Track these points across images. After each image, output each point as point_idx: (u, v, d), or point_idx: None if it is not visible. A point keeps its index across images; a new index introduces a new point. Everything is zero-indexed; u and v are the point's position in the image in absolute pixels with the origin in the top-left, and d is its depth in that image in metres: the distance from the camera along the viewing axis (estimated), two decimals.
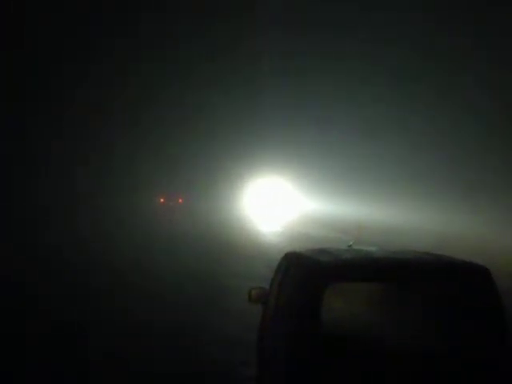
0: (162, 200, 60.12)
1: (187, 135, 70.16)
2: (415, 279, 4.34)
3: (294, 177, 70.73)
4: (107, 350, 8.06)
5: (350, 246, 5.36)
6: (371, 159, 75.35)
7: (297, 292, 4.56)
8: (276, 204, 65.87)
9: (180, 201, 60.79)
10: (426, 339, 4.15)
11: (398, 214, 58.66)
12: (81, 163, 48.32)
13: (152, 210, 51.25)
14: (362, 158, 76.58)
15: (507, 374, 4.12)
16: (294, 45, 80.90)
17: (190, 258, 19.32)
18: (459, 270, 4.48)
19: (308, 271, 4.53)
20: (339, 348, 4.09)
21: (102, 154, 52.34)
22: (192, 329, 9.52)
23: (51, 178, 43.91)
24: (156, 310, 10.78)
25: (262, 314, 6.09)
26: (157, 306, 11.15)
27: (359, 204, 68.64)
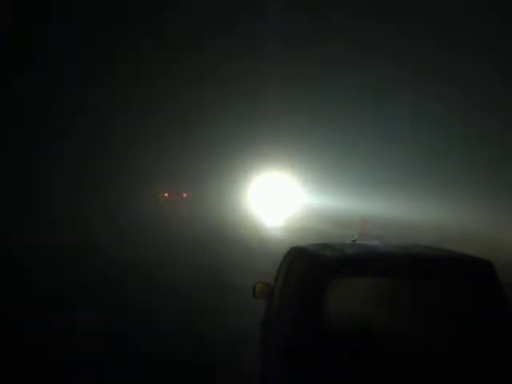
0: (166, 195, 60.18)
1: (191, 130, 70.16)
2: (419, 273, 4.35)
3: (297, 171, 70.66)
4: (107, 347, 8.07)
5: (354, 240, 5.37)
6: (374, 153, 75.28)
7: (301, 287, 4.58)
8: (279, 199, 65.86)
9: (184, 195, 60.86)
10: (430, 333, 4.17)
11: (401, 208, 58.59)
12: (83, 161, 48.47)
13: (156, 204, 51.30)
14: (366, 153, 76.51)
15: None
16: (294, 41, 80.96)
17: (193, 252, 19.35)
18: (463, 263, 4.49)
19: (312, 266, 4.55)
20: (343, 343, 4.10)
21: (106, 151, 52.47)
22: (196, 324, 9.54)
23: (59, 176, 44.08)
24: (159, 305, 10.81)
25: (267, 309, 6.11)
26: (160, 301, 11.18)
27: (363, 198, 68.54)
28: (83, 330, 8.90)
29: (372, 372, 4.02)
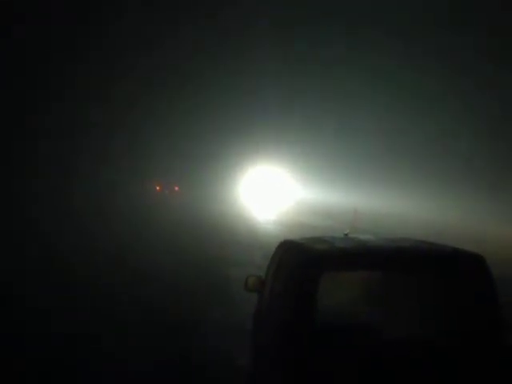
0: (157, 188, 60.08)
1: (183, 124, 69.96)
2: (411, 267, 4.35)
3: (289, 165, 70.70)
4: (106, 343, 8.03)
5: (346, 234, 5.36)
6: (366, 148, 75.43)
7: (292, 280, 4.56)
8: (271, 192, 65.92)
9: (176, 189, 60.78)
10: (422, 327, 4.17)
11: (393, 202, 58.76)
12: (76, 152, 48.30)
13: (148, 197, 51.18)
14: (357, 147, 76.65)
15: (503, 360, 4.14)
16: (292, 33, 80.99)
17: (185, 246, 19.32)
18: (454, 257, 4.48)
19: (303, 260, 4.53)
20: (334, 337, 4.10)
21: (98, 143, 52.30)
22: (189, 317, 9.53)
23: (49, 169, 43.94)
24: (153, 299, 10.78)
25: (258, 302, 6.10)
26: (154, 295, 11.15)
27: (355, 192, 68.68)
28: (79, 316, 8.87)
29: (366, 364, 4.02)
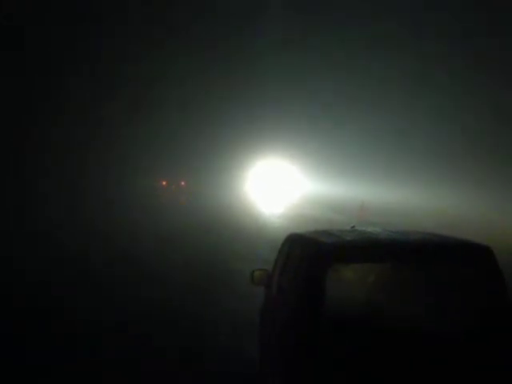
0: (164, 183, 60.20)
1: (189, 118, 70.00)
2: (418, 259, 4.33)
3: (295, 158, 70.61)
4: (112, 338, 8.05)
5: (353, 227, 5.33)
6: (372, 140, 75.31)
7: (300, 274, 4.55)
8: (278, 186, 65.92)
9: (182, 184, 60.87)
10: (429, 319, 4.15)
11: (400, 194, 58.65)
12: (81, 149, 48.48)
13: (155, 193, 51.29)
14: (364, 140, 76.53)
15: (510, 352, 4.12)
16: (295, 27, 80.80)
17: (193, 240, 19.35)
18: (462, 249, 4.46)
19: (311, 253, 4.51)
20: (342, 329, 4.08)
21: (103, 138, 52.44)
22: (195, 311, 9.54)
23: (54, 164, 44.13)
24: (158, 293, 10.80)
25: (265, 296, 6.09)
26: (159, 289, 11.17)
27: (362, 185, 68.59)
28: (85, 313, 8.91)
29: (373, 356, 4.00)
